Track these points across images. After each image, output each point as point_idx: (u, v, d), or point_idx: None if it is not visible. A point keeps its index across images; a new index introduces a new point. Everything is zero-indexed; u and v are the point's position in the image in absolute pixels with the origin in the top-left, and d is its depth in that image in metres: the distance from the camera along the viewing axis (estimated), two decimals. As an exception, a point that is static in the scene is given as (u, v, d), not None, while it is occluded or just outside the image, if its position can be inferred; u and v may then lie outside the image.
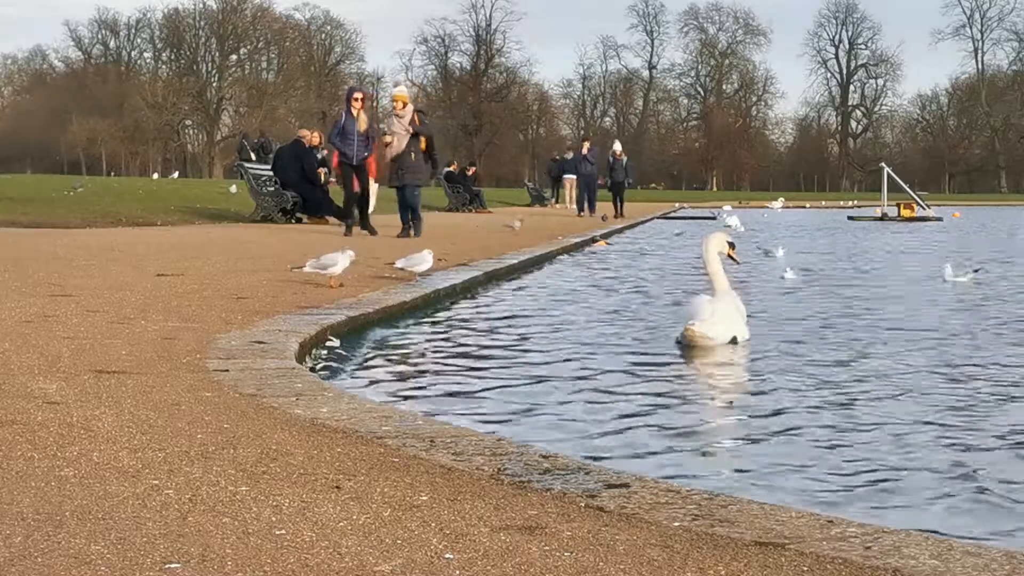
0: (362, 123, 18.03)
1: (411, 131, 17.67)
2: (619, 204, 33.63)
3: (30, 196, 26.14)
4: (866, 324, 8.76)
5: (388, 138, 17.70)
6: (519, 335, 8.08)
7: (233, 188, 25.18)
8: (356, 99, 18.36)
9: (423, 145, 17.86)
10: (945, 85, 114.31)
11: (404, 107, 18.07)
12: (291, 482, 3.27)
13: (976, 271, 13.19)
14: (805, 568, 2.56)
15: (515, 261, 13.77)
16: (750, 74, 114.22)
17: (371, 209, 19.73)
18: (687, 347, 7.37)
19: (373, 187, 20.96)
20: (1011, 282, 12.98)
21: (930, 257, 17.78)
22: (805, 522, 2.91)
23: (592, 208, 33.06)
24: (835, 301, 10.60)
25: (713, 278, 7.75)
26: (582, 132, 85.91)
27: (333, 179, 22.52)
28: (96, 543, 2.68)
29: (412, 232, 17.46)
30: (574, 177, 36.59)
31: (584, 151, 33.82)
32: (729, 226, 26.20)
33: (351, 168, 18.14)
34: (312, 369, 5.91)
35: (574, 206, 35.88)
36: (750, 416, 5.27)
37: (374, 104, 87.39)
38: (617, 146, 34.72)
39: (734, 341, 7.45)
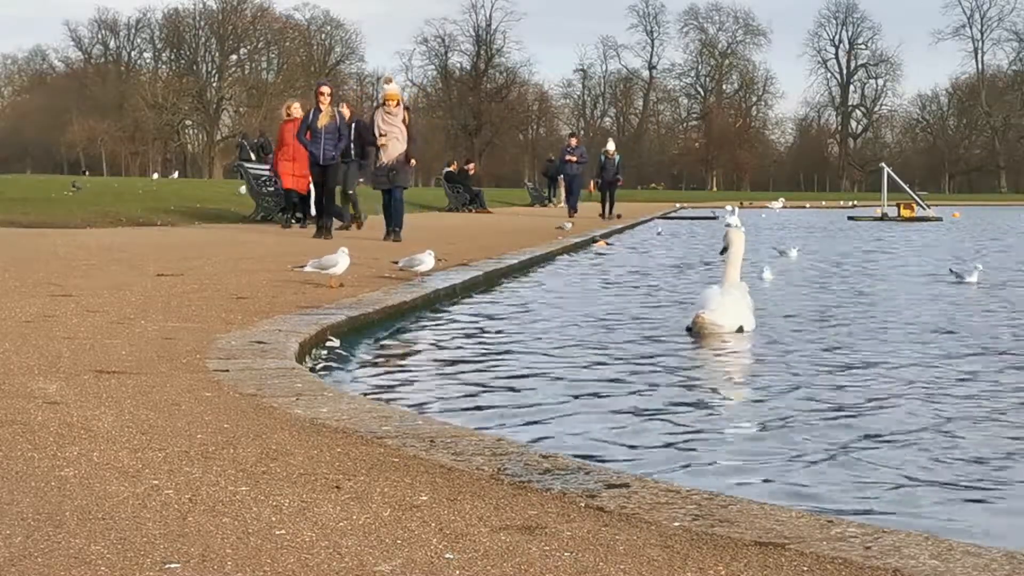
0: (323, 118, 16.74)
1: (404, 131, 16.82)
2: (610, 204, 32.43)
3: (30, 196, 26.12)
4: (867, 323, 8.77)
5: (383, 140, 16.89)
6: (520, 333, 8.07)
7: (242, 189, 25.20)
8: (322, 93, 17.07)
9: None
10: (945, 85, 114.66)
11: (397, 106, 16.97)
12: (291, 482, 3.27)
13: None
14: (805, 568, 2.56)
15: (515, 261, 13.77)
16: (750, 74, 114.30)
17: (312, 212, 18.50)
18: (697, 334, 7.87)
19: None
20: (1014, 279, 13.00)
21: (932, 257, 17.77)
22: (805, 522, 2.91)
23: (573, 209, 31.72)
24: (831, 299, 10.61)
25: (731, 268, 8.27)
26: (579, 132, 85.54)
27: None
28: (96, 543, 2.68)
29: (396, 237, 16.59)
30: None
31: (570, 149, 33.09)
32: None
33: (320, 168, 17.00)
34: (312, 369, 5.91)
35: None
36: (751, 414, 5.27)
37: (374, 102, 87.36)
38: (610, 145, 34.20)
39: (740, 330, 7.95)
